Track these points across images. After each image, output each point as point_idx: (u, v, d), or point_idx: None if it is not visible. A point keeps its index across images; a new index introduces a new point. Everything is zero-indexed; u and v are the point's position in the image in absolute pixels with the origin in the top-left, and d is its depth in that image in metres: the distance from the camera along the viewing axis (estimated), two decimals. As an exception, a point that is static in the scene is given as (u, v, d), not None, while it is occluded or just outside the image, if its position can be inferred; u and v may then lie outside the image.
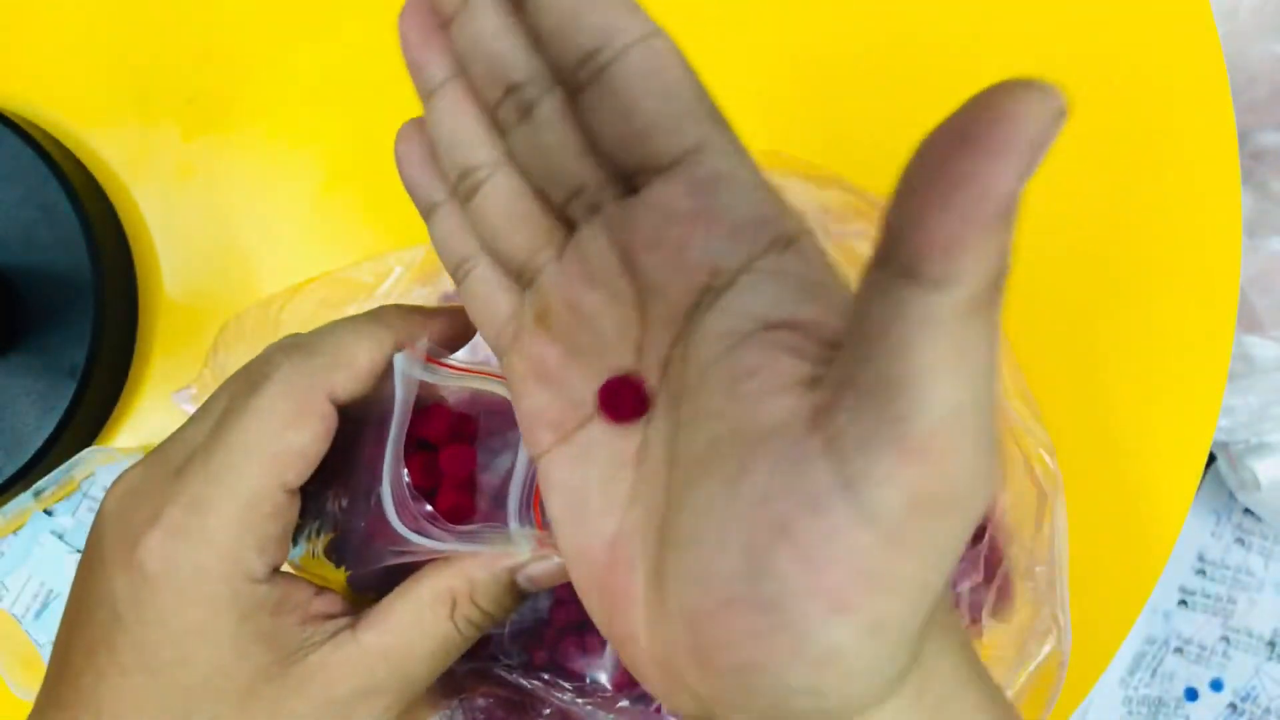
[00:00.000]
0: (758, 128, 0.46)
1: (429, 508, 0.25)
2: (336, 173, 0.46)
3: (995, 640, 0.37)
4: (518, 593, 0.26)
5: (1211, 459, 0.92)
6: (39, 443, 0.43)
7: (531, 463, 0.23)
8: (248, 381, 0.25)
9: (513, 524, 0.26)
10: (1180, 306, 0.46)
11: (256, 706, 0.24)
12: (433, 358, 0.27)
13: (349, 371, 0.25)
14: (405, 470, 0.25)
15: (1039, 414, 0.38)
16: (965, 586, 0.37)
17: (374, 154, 0.46)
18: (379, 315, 0.27)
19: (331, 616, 0.26)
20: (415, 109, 0.46)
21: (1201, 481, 0.55)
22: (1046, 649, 0.35)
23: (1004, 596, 0.38)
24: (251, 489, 0.23)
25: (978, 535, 0.39)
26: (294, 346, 0.26)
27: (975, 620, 0.37)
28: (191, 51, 0.47)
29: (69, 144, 0.46)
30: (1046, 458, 0.37)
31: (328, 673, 0.24)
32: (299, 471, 0.24)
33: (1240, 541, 0.97)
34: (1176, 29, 0.47)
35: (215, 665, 0.23)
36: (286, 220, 0.46)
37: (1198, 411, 0.46)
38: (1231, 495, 0.92)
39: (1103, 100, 0.47)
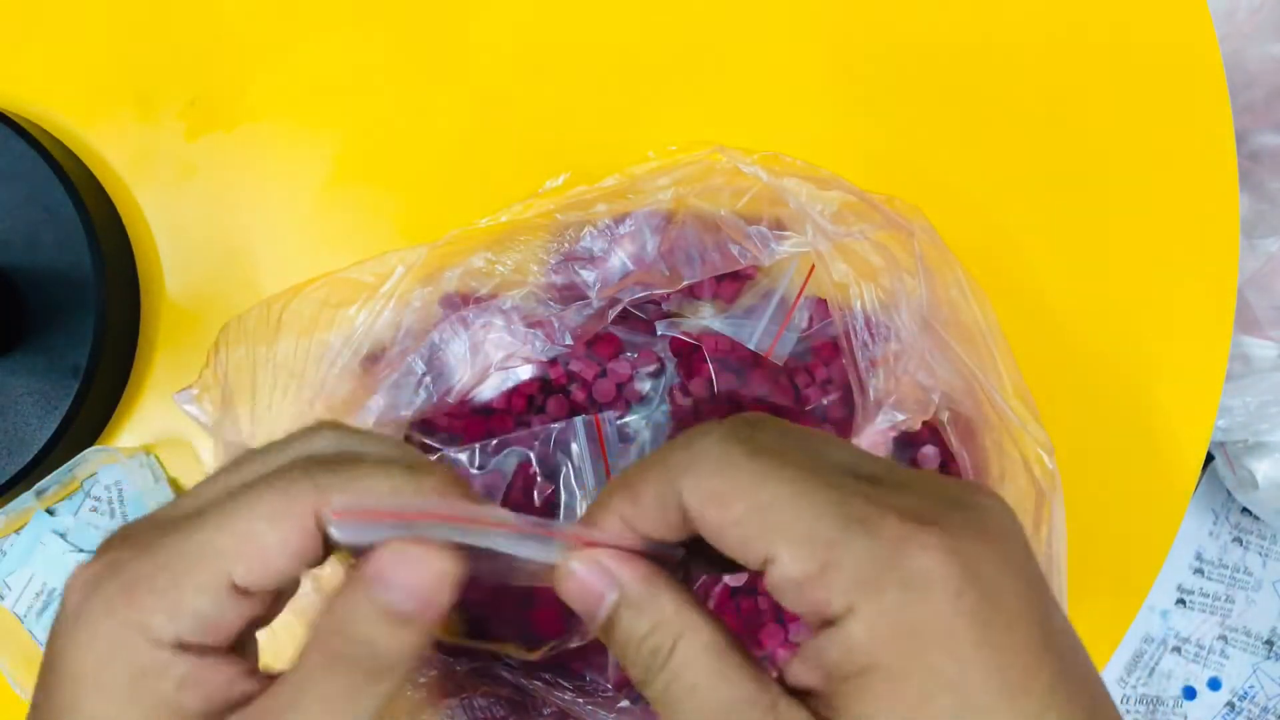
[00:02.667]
0: (758, 130, 0.47)
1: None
2: (339, 173, 0.46)
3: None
4: (388, 614, 0.21)
5: (1209, 458, 0.92)
6: (41, 442, 0.43)
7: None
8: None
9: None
10: (1178, 306, 0.46)
11: None
12: (351, 511, 0.22)
13: (249, 562, 0.21)
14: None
15: (1037, 414, 0.38)
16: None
17: (376, 154, 0.47)
18: (289, 477, 0.22)
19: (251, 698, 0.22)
20: (416, 109, 0.47)
21: (1199, 481, 0.55)
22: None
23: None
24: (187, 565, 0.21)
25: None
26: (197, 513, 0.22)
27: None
28: (194, 52, 0.47)
29: (72, 145, 0.46)
30: (1045, 458, 0.37)
31: None
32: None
33: (1238, 541, 0.97)
34: (1174, 30, 0.47)
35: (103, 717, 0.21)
36: (289, 220, 0.46)
37: (1195, 411, 0.46)
38: (1229, 495, 0.92)
39: (1101, 102, 0.47)
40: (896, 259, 0.38)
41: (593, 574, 0.22)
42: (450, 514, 0.22)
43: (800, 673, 0.21)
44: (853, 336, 0.39)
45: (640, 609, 0.22)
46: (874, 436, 0.37)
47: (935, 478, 0.23)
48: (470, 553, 0.22)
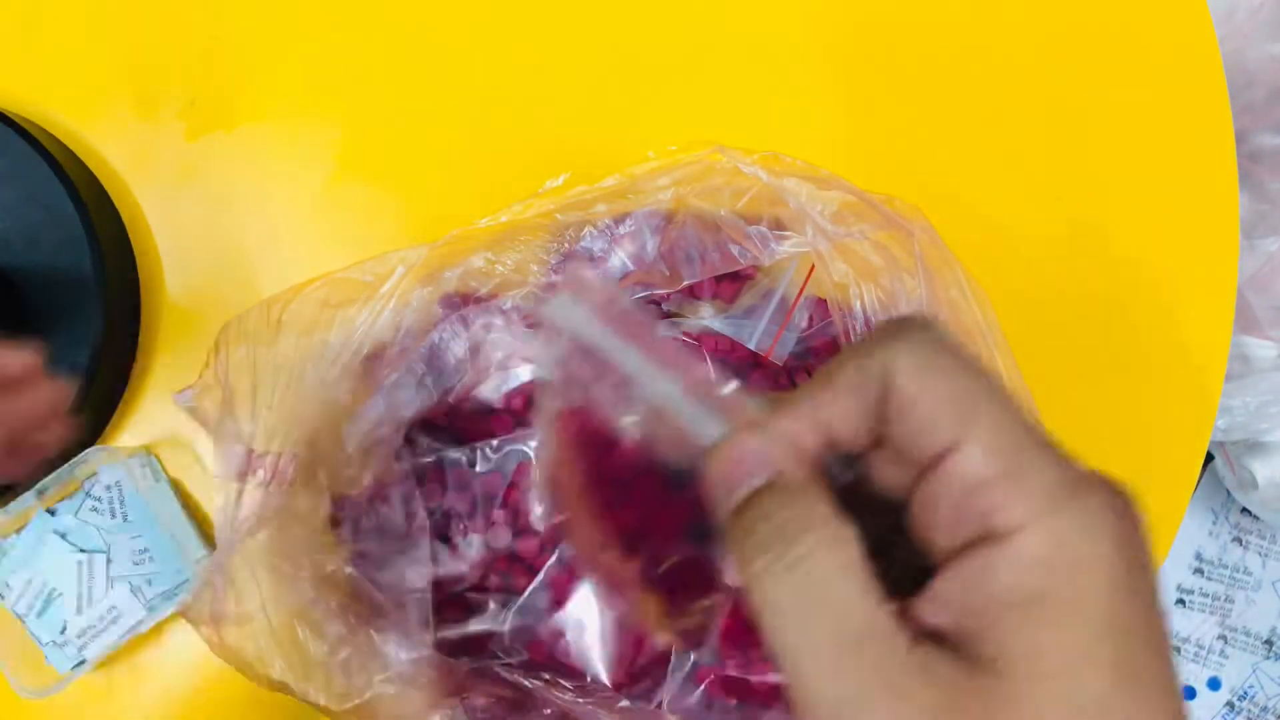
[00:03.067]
0: (758, 130, 0.47)
1: None
2: (338, 173, 0.46)
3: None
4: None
5: (1209, 458, 0.92)
6: (41, 442, 0.43)
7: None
8: None
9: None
10: (1178, 307, 0.46)
11: None
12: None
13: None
14: None
15: (1037, 414, 0.38)
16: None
17: (376, 154, 0.47)
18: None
19: None
20: (413, 109, 0.47)
21: (1199, 481, 0.55)
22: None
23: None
24: None
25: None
26: None
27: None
28: (194, 52, 0.47)
29: (72, 145, 0.46)
30: None
31: None
32: None
33: (1238, 541, 0.98)
34: (1174, 31, 0.47)
35: None
36: (288, 220, 0.46)
37: (1195, 411, 0.46)
38: (1229, 494, 0.92)
39: (1101, 102, 0.47)
40: (896, 259, 0.38)
41: (759, 453, 0.21)
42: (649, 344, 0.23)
43: (929, 613, 0.20)
44: (853, 336, 0.39)
45: (790, 497, 0.20)
46: None
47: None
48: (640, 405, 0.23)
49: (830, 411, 0.21)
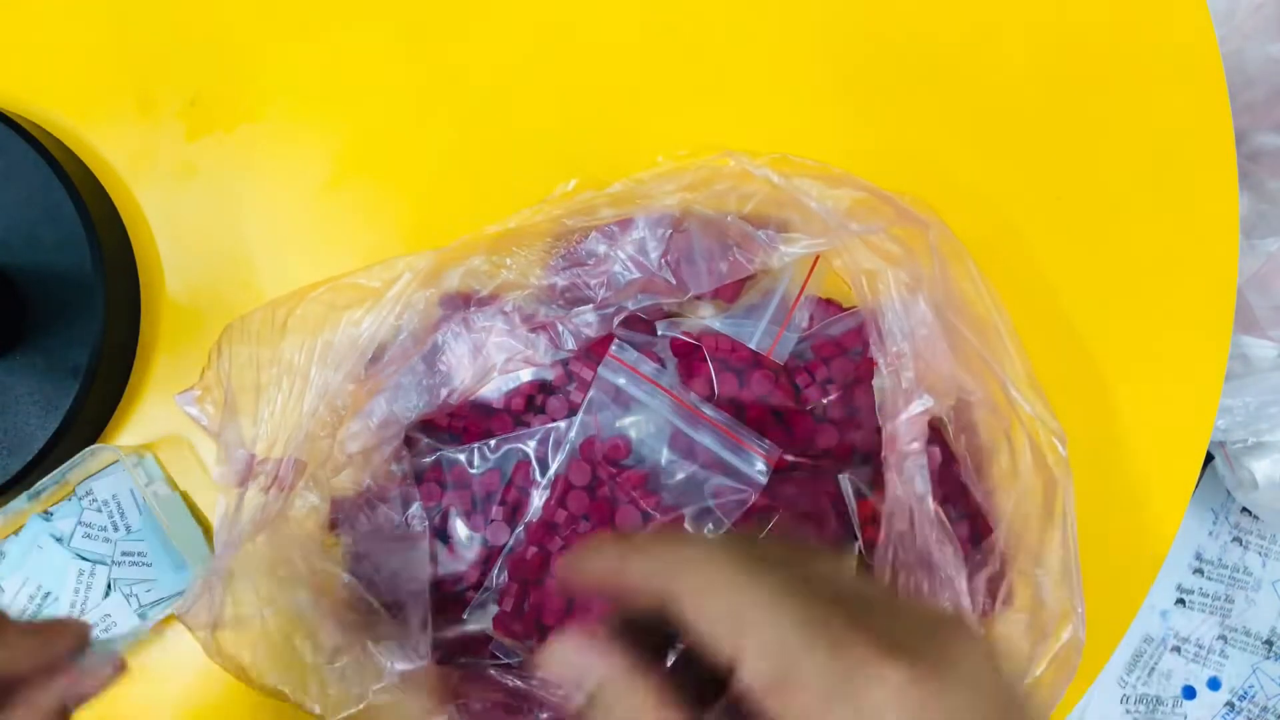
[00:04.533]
0: (766, 132, 0.47)
1: None
2: (339, 173, 0.46)
3: (1008, 633, 0.38)
4: None
5: (1209, 458, 0.92)
6: (41, 442, 0.43)
7: None
8: None
9: None
10: (1178, 306, 0.46)
11: None
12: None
13: None
14: None
15: (1049, 404, 0.38)
16: (981, 578, 0.37)
17: (377, 155, 0.47)
18: None
19: None
20: (416, 110, 0.47)
21: (1199, 481, 0.55)
22: (1066, 635, 0.36)
23: (1011, 588, 0.39)
24: None
25: (988, 529, 0.40)
26: None
27: (988, 611, 0.38)
28: (194, 52, 0.47)
29: (72, 144, 0.46)
30: (1059, 446, 0.38)
31: None
32: None
33: (1238, 540, 0.98)
34: (1174, 30, 0.47)
35: None
36: (289, 221, 0.46)
37: (1195, 411, 0.46)
38: (1229, 494, 0.92)
39: (1101, 102, 0.47)
40: (913, 250, 0.39)
41: (577, 661, 0.23)
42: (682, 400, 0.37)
43: None
44: (881, 324, 0.39)
45: (610, 709, 0.22)
46: (909, 425, 0.38)
47: (923, 607, 0.24)
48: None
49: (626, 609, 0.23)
